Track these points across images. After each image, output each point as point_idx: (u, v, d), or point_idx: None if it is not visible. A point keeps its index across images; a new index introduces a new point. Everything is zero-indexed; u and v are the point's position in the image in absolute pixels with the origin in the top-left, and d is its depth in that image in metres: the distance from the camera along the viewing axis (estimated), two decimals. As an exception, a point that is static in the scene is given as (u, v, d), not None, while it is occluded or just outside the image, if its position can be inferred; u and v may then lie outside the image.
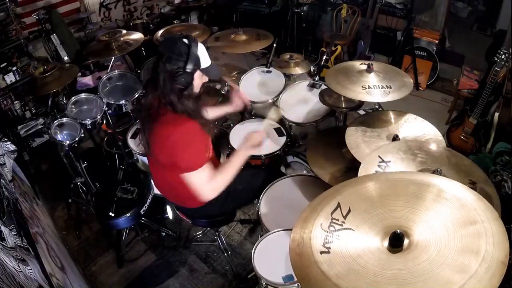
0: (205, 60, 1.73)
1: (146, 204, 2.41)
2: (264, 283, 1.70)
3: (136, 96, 2.90)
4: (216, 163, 2.00)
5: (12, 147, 2.58)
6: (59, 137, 2.63)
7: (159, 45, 1.71)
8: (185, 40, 1.68)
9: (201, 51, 1.71)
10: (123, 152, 2.98)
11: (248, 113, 2.99)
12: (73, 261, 2.66)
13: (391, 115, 2.03)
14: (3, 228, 1.57)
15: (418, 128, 1.93)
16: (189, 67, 1.66)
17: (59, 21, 4.04)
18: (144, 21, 4.74)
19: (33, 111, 3.88)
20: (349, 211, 1.15)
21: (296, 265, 1.06)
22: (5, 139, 2.61)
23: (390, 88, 1.96)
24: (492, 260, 0.89)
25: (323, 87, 2.64)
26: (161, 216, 2.83)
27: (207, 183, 1.75)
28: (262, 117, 2.81)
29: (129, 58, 3.95)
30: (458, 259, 0.93)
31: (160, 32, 3.28)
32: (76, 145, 2.69)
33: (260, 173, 2.33)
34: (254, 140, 1.95)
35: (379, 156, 1.60)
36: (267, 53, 3.25)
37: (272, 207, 2.10)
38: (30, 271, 1.54)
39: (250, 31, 3.02)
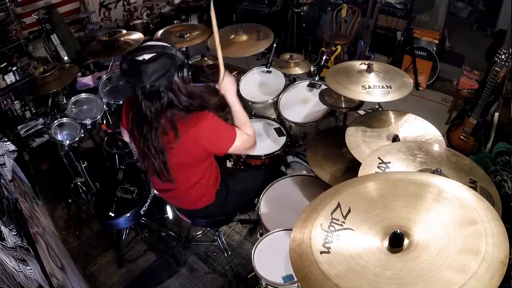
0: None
1: (146, 204, 2.41)
2: (264, 283, 1.70)
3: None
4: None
5: (12, 147, 2.58)
6: (59, 137, 2.64)
7: (143, 52, 1.57)
8: (153, 53, 1.58)
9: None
10: (123, 152, 2.98)
11: (248, 113, 2.98)
12: (73, 261, 2.66)
13: (391, 115, 2.03)
14: (3, 228, 1.57)
15: (418, 128, 1.93)
16: (186, 69, 1.66)
17: (59, 21, 4.04)
18: (144, 21, 4.75)
19: (33, 111, 3.89)
20: (349, 211, 1.15)
21: (296, 265, 1.06)
22: (5, 139, 2.61)
23: (390, 88, 1.96)
24: (492, 260, 0.89)
25: (323, 87, 2.64)
26: (161, 216, 2.83)
27: (246, 137, 1.83)
28: (262, 117, 2.82)
29: (129, 58, 3.95)
30: (458, 259, 0.93)
31: (160, 32, 3.28)
32: (76, 145, 2.70)
33: (260, 174, 2.33)
34: (229, 84, 1.91)
35: (379, 158, 1.60)
36: (267, 53, 3.25)
37: (272, 207, 2.10)
38: (30, 271, 1.54)
39: (250, 29, 2.99)
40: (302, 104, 2.66)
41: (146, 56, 1.56)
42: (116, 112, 2.98)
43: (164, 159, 1.69)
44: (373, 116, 2.05)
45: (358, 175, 1.52)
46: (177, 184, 1.87)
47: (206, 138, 1.68)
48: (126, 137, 2.06)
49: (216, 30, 1.93)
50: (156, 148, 1.66)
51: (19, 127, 3.67)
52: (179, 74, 1.63)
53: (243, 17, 5.23)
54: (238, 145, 1.78)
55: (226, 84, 1.89)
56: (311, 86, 2.75)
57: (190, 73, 1.71)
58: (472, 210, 1.03)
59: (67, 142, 2.60)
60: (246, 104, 2.92)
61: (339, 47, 4.46)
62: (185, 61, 1.67)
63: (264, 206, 2.11)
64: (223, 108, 2.95)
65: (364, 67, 2.10)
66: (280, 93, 2.73)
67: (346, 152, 1.93)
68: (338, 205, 1.18)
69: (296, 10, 4.63)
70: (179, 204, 2.11)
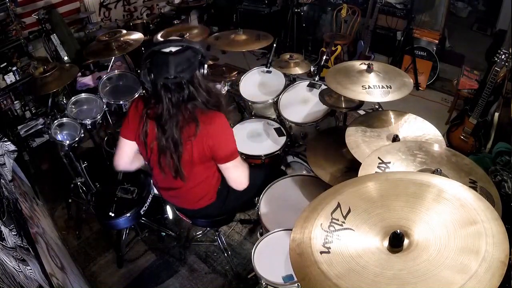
0: None
1: (146, 204, 2.41)
2: (264, 283, 1.70)
3: (136, 96, 2.89)
4: None
5: (12, 147, 2.58)
6: (59, 137, 2.64)
7: (169, 45, 1.61)
8: (179, 46, 1.63)
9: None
10: (123, 152, 2.98)
11: (248, 113, 2.99)
12: (73, 261, 2.66)
13: (391, 115, 2.03)
14: (3, 228, 1.57)
15: (418, 128, 1.93)
16: (206, 61, 1.68)
17: (59, 21, 4.04)
18: (144, 21, 4.75)
19: (33, 111, 3.89)
20: (349, 211, 1.15)
21: (296, 265, 1.06)
22: (5, 139, 2.61)
23: (390, 88, 1.96)
24: (492, 260, 0.89)
25: (323, 87, 2.64)
26: (161, 216, 2.82)
27: (245, 169, 1.89)
28: (262, 117, 2.82)
29: (129, 58, 3.96)
30: (458, 259, 0.93)
31: (160, 32, 3.28)
32: (76, 145, 2.69)
33: (260, 172, 2.33)
34: None
35: (379, 158, 1.60)
36: (267, 53, 3.25)
37: (272, 207, 2.10)
38: (30, 271, 1.54)
39: (250, 32, 3.02)
40: (302, 104, 2.66)
41: (173, 49, 1.61)
42: (116, 112, 2.98)
43: (180, 154, 1.70)
44: (373, 116, 2.05)
45: (358, 175, 1.52)
46: (181, 182, 1.87)
47: (213, 137, 1.70)
48: (122, 160, 1.97)
49: None
50: (174, 141, 1.67)
51: (19, 127, 3.66)
52: (200, 70, 1.66)
53: (243, 17, 5.24)
54: (235, 168, 1.83)
55: None
56: (311, 86, 2.75)
57: (208, 70, 1.74)
58: (472, 210, 1.03)
59: (67, 142, 2.60)
60: (246, 104, 2.92)
61: (339, 47, 4.46)
62: (206, 59, 1.70)
63: (264, 206, 2.11)
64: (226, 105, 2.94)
65: (364, 67, 2.10)
66: (280, 93, 2.73)
67: (346, 152, 1.93)
68: (338, 205, 1.18)
69: (296, 10, 4.63)
70: (179, 203, 2.10)
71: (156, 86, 1.63)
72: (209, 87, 1.71)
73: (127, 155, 1.94)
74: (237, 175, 1.87)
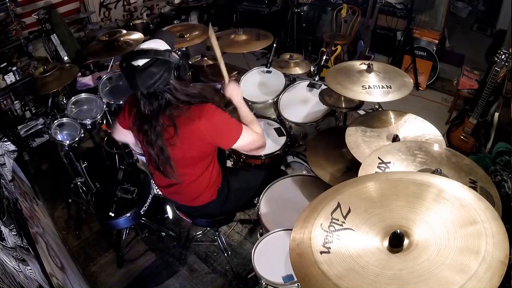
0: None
1: (146, 204, 2.41)
2: (264, 283, 1.70)
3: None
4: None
5: (12, 147, 2.58)
6: (59, 137, 2.64)
7: (137, 57, 1.58)
8: (147, 59, 1.60)
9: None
10: (123, 152, 2.98)
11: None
12: (73, 261, 2.66)
13: (391, 115, 2.03)
14: (3, 228, 1.57)
15: (418, 128, 1.93)
16: (183, 69, 1.68)
17: (59, 21, 4.04)
18: (144, 21, 4.75)
19: (33, 111, 3.89)
20: (349, 211, 1.15)
21: (296, 265, 1.06)
22: (5, 139, 2.61)
23: (390, 88, 1.96)
24: (492, 260, 0.89)
25: (323, 87, 2.64)
26: (161, 216, 2.83)
27: (254, 135, 1.84)
28: (262, 117, 2.82)
29: (129, 58, 3.95)
30: (458, 259, 0.93)
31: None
32: (76, 145, 2.70)
33: (261, 172, 2.33)
34: (234, 89, 2.01)
35: (379, 158, 1.60)
36: (267, 53, 3.24)
37: (272, 207, 2.10)
38: (30, 271, 1.54)
39: (250, 31, 3.02)
40: (302, 104, 2.66)
41: (140, 62, 1.57)
42: (116, 112, 2.98)
43: (166, 156, 1.71)
44: (373, 116, 2.05)
45: (358, 175, 1.52)
46: (180, 178, 1.87)
47: (209, 131, 1.69)
48: (118, 136, 2.11)
49: (216, 46, 2.06)
50: (157, 146, 1.69)
51: (19, 127, 3.67)
52: (175, 75, 1.65)
53: (243, 17, 5.24)
54: (245, 143, 1.80)
55: (232, 90, 1.98)
56: (311, 86, 2.75)
57: (190, 73, 1.73)
58: (472, 210, 1.03)
59: (67, 142, 2.60)
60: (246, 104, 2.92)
61: (339, 47, 4.46)
62: (181, 61, 1.68)
63: (264, 206, 2.11)
64: (226, 105, 2.94)
65: (364, 67, 2.10)
66: (280, 93, 2.73)
67: (346, 152, 1.93)
68: (338, 205, 1.18)
69: (296, 10, 4.63)
70: (180, 200, 2.10)
71: (135, 94, 1.67)
72: (189, 91, 1.69)
73: (124, 134, 2.03)
74: (251, 147, 1.86)
